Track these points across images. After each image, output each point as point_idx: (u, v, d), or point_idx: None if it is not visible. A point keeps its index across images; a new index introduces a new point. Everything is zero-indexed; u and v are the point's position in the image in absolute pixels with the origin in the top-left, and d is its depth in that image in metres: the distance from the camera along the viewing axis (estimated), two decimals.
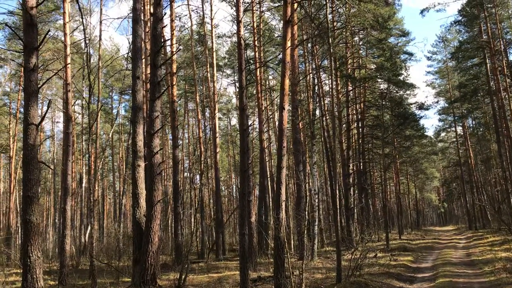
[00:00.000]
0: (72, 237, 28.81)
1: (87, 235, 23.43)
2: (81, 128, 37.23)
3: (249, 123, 38.16)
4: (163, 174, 36.97)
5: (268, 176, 29.53)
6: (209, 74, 30.41)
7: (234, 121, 52.74)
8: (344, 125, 33.41)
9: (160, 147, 14.49)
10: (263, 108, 31.31)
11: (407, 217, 62.12)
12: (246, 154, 11.35)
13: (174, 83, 25.92)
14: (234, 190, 58.70)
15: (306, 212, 18.55)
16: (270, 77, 39.66)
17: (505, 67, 32.50)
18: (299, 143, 21.72)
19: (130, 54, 18.32)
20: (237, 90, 26.46)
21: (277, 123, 18.67)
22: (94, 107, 24.07)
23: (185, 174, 41.33)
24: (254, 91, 33.55)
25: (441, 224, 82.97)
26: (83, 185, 32.15)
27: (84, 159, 35.75)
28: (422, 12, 28.93)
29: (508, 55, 32.79)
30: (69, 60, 20.36)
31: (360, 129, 36.79)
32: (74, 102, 31.31)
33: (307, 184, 22.28)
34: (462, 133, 47.81)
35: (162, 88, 14.17)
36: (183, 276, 14.07)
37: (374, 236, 38.58)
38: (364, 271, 16.20)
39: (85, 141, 35.83)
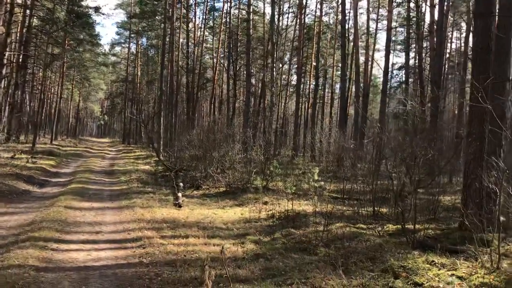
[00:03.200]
0: None
1: None
2: None
3: None
4: None
5: None
6: None
7: None
8: (8, 5, 27.86)
9: None
10: None
11: (66, 124, 59.71)
12: None
13: None
14: None
15: None
16: None
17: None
18: None
19: None
20: None
21: None
22: None
23: None
24: None
25: (99, 136, 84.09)
26: None
27: None
28: None
29: None
30: None
31: (28, 17, 31.69)
32: None
33: None
34: (135, 52, 48.11)
35: None
36: None
37: (23, 138, 35.05)
38: None
39: None
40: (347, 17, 36.43)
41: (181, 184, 14.15)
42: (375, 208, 9.78)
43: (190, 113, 35.57)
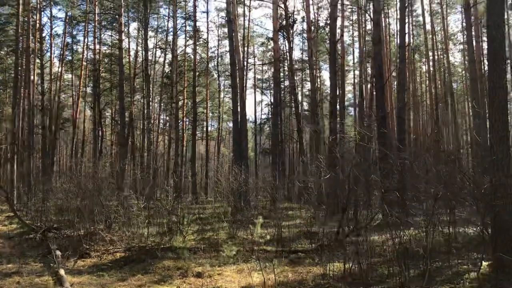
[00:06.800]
0: None
1: None
2: None
3: None
4: None
5: None
6: None
7: None
8: None
9: None
10: None
11: None
12: None
13: None
14: None
15: None
16: None
17: (37, 27, 28.20)
18: None
19: None
20: None
21: None
22: None
23: None
24: None
25: None
26: None
27: None
28: None
29: (42, 13, 28.86)
30: None
31: None
32: None
33: None
34: None
35: None
36: None
37: None
38: None
39: None
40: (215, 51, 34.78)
41: (59, 252, 9.71)
42: (350, 266, 7.05)
43: (49, 157, 29.34)
